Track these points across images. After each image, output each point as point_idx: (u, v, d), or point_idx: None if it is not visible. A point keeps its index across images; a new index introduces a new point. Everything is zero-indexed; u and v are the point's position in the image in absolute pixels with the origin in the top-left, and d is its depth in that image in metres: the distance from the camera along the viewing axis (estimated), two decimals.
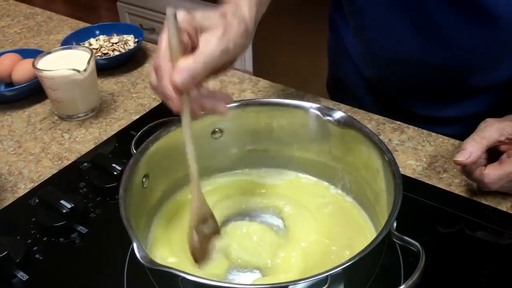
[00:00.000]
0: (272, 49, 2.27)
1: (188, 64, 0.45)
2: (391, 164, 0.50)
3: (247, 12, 0.52)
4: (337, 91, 0.92)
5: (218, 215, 0.55)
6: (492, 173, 0.58)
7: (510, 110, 0.61)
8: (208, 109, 0.50)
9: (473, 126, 0.60)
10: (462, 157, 0.57)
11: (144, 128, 0.60)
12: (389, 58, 0.76)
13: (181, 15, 0.46)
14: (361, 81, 0.86)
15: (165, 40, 0.46)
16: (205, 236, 0.51)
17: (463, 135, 0.70)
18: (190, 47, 0.47)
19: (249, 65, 2.42)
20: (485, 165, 0.59)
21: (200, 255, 0.51)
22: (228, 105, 0.52)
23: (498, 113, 0.61)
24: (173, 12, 0.44)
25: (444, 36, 0.68)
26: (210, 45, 0.47)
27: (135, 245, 0.42)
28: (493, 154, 0.60)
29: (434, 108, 0.79)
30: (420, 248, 0.44)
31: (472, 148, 0.57)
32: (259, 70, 2.40)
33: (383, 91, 0.84)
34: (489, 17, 0.64)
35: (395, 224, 0.46)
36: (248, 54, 2.38)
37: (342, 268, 0.40)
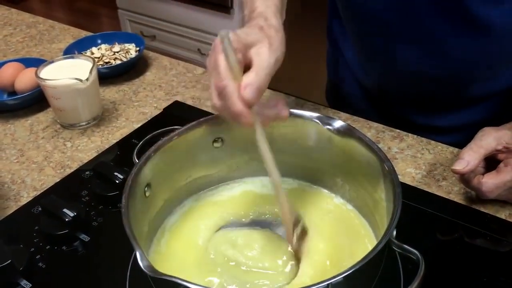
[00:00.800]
0: None
1: (252, 79, 0.48)
2: (390, 172, 0.51)
3: (276, 22, 0.55)
4: (336, 100, 0.93)
5: (219, 224, 0.55)
6: (489, 182, 0.58)
7: (508, 118, 0.62)
8: (272, 117, 0.52)
9: (472, 134, 0.61)
10: (460, 166, 0.58)
11: (146, 138, 0.60)
12: (385, 65, 0.76)
13: (231, 35, 0.47)
14: (359, 90, 0.87)
15: (223, 61, 0.47)
16: (298, 237, 0.53)
17: (461, 143, 0.70)
18: (243, 64, 0.49)
19: None
20: (483, 174, 0.59)
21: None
22: (287, 109, 0.53)
23: (497, 122, 0.62)
24: (227, 33, 0.46)
25: (440, 48, 0.69)
26: (264, 57, 0.50)
27: (138, 254, 0.42)
28: (490, 162, 0.60)
29: (433, 117, 0.80)
30: (419, 256, 0.44)
31: (470, 157, 0.58)
32: None
33: (382, 100, 0.85)
34: (483, 28, 0.64)
35: (394, 233, 0.46)
36: None
37: (343, 277, 0.40)
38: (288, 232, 0.53)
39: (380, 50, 0.75)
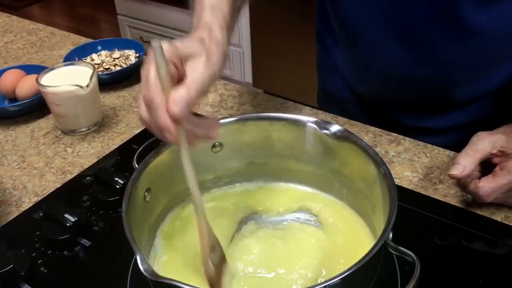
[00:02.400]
0: (271, 61, 2.29)
1: (182, 94, 0.46)
2: (386, 176, 0.51)
3: (220, 35, 0.53)
4: (327, 105, 0.93)
5: (220, 230, 0.56)
6: (486, 186, 0.59)
7: (499, 118, 0.63)
8: (200, 136, 0.50)
9: (464, 135, 0.62)
10: (456, 171, 0.59)
11: (146, 143, 0.61)
12: (377, 72, 0.77)
13: (166, 46, 0.46)
14: (349, 94, 0.88)
15: (153, 72, 0.45)
16: (216, 264, 0.51)
17: (454, 144, 0.71)
18: (176, 77, 0.48)
19: (248, 77, 2.45)
20: (479, 178, 0.60)
21: (217, 285, 0.50)
22: (218, 130, 0.52)
23: (488, 122, 0.63)
24: (159, 43, 0.44)
25: (430, 52, 0.69)
26: (198, 72, 0.48)
27: (138, 258, 0.43)
28: (486, 166, 0.61)
29: (426, 119, 0.81)
30: (415, 258, 0.45)
31: (466, 162, 0.59)
32: (258, 82, 2.42)
33: (372, 104, 0.86)
34: (473, 32, 0.65)
35: (391, 235, 0.47)
36: (248, 66, 2.41)
37: (340, 279, 0.41)
38: (204, 256, 0.50)
39: (370, 56, 0.76)
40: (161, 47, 0.44)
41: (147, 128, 0.48)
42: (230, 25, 0.57)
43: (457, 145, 0.61)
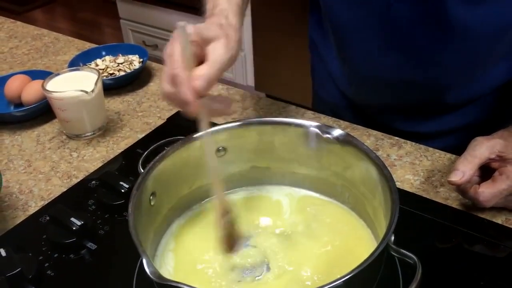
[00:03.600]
0: (273, 64, 2.30)
1: (205, 71, 0.51)
2: (388, 179, 0.52)
3: (235, 22, 0.58)
4: (321, 110, 0.94)
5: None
6: (486, 191, 0.59)
7: (495, 122, 0.63)
8: (218, 112, 0.56)
9: (459, 139, 0.62)
10: (455, 177, 0.59)
11: (150, 148, 0.62)
12: (367, 76, 0.78)
13: (190, 28, 0.51)
14: (342, 100, 0.89)
15: (178, 50, 0.50)
16: (228, 227, 0.55)
17: (449, 149, 0.72)
18: (197, 56, 0.53)
19: (250, 80, 2.46)
20: (479, 183, 0.61)
21: (228, 243, 0.54)
22: (231, 106, 0.56)
23: (483, 126, 0.63)
24: (184, 25, 0.49)
25: (419, 54, 0.70)
26: (219, 53, 0.53)
27: (144, 261, 0.44)
28: (485, 171, 0.62)
29: (419, 124, 0.82)
30: (416, 260, 0.46)
31: (465, 168, 0.59)
32: (260, 85, 2.43)
33: (365, 109, 0.87)
34: (460, 32, 0.66)
35: (392, 238, 0.48)
36: (250, 69, 2.42)
37: (343, 281, 0.42)
38: (217, 219, 0.54)
39: (360, 59, 0.77)
40: (186, 28, 0.49)
41: (168, 101, 0.53)
42: (243, 13, 0.63)
43: (454, 149, 0.62)
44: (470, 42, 0.67)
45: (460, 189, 0.62)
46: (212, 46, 0.53)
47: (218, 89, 0.93)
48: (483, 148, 0.60)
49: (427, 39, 0.68)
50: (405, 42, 0.70)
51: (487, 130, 0.63)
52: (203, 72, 0.51)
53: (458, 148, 0.62)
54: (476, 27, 0.66)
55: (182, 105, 0.51)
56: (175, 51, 0.50)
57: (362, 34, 0.73)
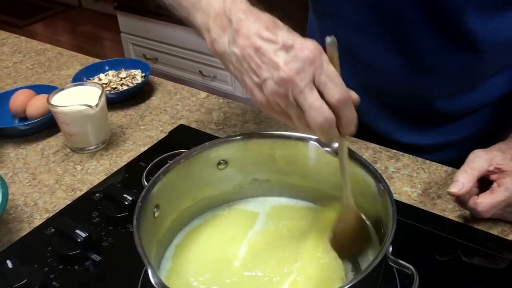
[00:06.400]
0: None
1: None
2: (386, 192, 0.53)
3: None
4: None
5: (224, 243, 0.58)
6: (485, 202, 0.61)
7: (489, 137, 0.64)
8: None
9: (454, 154, 0.64)
10: (455, 189, 0.61)
11: (154, 161, 0.64)
12: (369, 82, 0.79)
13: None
14: None
15: (335, 71, 0.46)
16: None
17: (445, 162, 0.73)
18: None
19: None
20: (477, 194, 0.62)
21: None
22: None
23: (479, 140, 0.64)
24: (334, 39, 0.46)
25: (422, 62, 0.71)
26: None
27: (149, 271, 0.45)
28: (483, 182, 0.63)
29: (414, 135, 0.83)
30: (414, 270, 0.47)
31: (464, 180, 0.60)
32: None
33: (363, 118, 0.87)
34: (470, 44, 0.67)
35: (390, 249, 0.49)
36: None
37: None
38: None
39: (363, 63, 0.77)
40: (335, 43, 0.45)
41: (321, 129, 0.47)
42: None
43: (451, 163, 0.63)
44: (479, 53, 0.68)
45: (459, 200, 0.63)
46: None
47: (219, 103, 0.94)
48: (482, 161, 0.61)
49: (435, 49, 0.69)
50: (411, 50, 0.71)
51: (483, 144, 0.65)
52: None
53: (455, 162, 0.63)
54: (488, 38, 0.67)
55: (351, 124, 0.47)
56: (333, 72, 0.45)
57: (367, 39, 0.73)
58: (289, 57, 0.45)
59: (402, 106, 0.80)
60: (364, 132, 0.85)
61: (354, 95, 0.47)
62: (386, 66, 0.75)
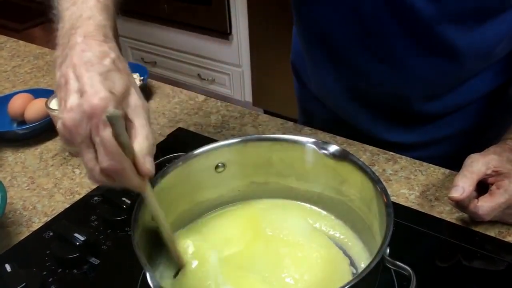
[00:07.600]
0: (270, 80, 2.33)
1: (146, 147, 0.47)
2: (383, 194, 0.54)
3: (114, 43, 0.54)
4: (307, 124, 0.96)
5: (222, 247, 0.58)
6: (485, 205, 0.61)
7: (475, 132, 0.64)
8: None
9: (440, 150, 0.64)
10: (457, 193, 0.61)
11: None
12: (350, 84, 0.80)
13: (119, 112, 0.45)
14: (324, 112, 0.92)
15: (112, 140, 0.44)
16: None
17: (431, 157, 0.74)
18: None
19: (248, 96, 2.48)
20: (476, 197, 0.63)
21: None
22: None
23: (464, 136, 0.65)
24: (117, 113, 0.44)
25: (401, 67, 0.72)
26: (141, 113, 0.48)
27: (148, 275, 0.45)
28: (480, 186, 0.63)
29: (400, 134, 0.84)
30: (411, 272, 0.47)
31: (465, 184, 0.61)
32: (258, 101, 2.46)
33: (347, 118, 0.88)
34: (447, 52, 0.69)
35: (388, 250, 0.49)
36: (247, 85, 2.45)
37: None
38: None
39: (345, 64, 0.79)
40: (119, 116, 0.43)
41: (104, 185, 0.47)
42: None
43: (442, 160, 0.64)
44: (459, 61, 0.70)
45: (460, 204, 0.63)
46: (132, 107, 0.47)
47: (217, 106, 0.95)
48: (479, 164, 0.62)
49: (413, 56, 0.70)
50: (389, 53, 0.72)
51: (471, 139, 0.66)
52: (145, 149, 0.46)
53: (443, 158, 0.64)
54: (464, 49, 0.68)
55: (130, 188, 0.47)
56: (107, 141, 0.43)
57: (349, 38, 0.75)
58: (76, 104, 0.44)
59: (385, 106, 0.81)
60: (349, 130, 0.86)
61: (143, 167, 0.46)
62: (367, 67, 0.76)
